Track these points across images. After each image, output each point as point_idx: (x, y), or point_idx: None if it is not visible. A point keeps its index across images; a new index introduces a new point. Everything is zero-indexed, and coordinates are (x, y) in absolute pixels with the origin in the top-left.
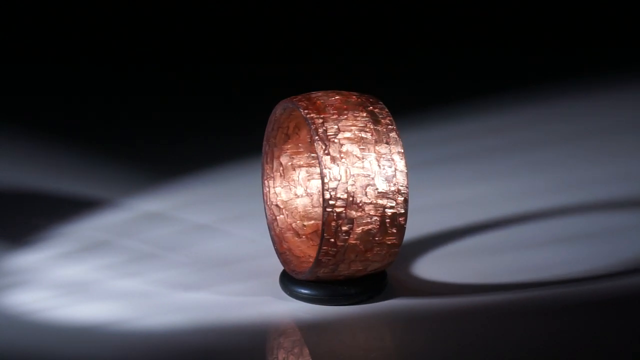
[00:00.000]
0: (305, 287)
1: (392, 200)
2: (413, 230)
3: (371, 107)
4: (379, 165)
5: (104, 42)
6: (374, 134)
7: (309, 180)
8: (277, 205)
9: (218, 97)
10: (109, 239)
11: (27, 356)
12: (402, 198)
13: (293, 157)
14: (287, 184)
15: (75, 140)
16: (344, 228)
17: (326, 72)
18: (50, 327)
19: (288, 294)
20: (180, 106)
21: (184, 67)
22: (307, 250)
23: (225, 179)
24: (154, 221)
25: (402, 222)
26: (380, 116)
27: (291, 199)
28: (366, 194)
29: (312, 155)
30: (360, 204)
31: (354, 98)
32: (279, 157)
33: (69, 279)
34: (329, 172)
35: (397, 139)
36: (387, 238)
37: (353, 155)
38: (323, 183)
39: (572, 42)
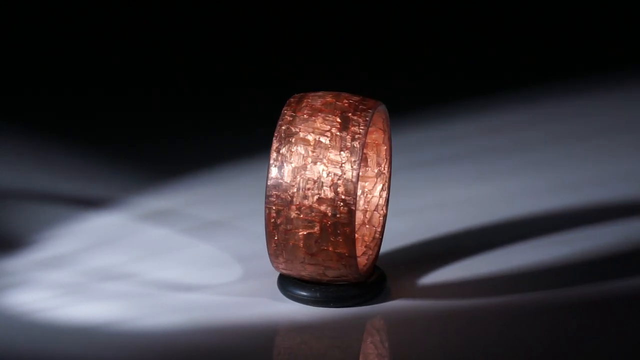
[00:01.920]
0: (299, 288)
1: (334, 209)
2: (412, 230)
3: (350, 114)
4: (326, 172)
5: (104, 41)
6: (334, 139)
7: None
8: None
9: (218, 96)
10: (108, 239)
11: (27, 356)
12: (347, 208)
13: None
14: None
15: (75, 140)
16: (282, 227)
17: (328, 72)
18: (50, 327)
19: (284, 295)
20: (180, 106)
21: (185, 66)
22: None
23: (225, 179)
24: (153, 221)
25: (349, 232)
26: (353, 124)
27: None
28: (306, 197)
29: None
30: (299, 206)
31: (343, 102)
32: None
33: (69, 279)
34: (274, 169)
35: (358, 149)
36: (332, 246)
37: (303, 157)
38: (267, 179)
39: (572, 42)
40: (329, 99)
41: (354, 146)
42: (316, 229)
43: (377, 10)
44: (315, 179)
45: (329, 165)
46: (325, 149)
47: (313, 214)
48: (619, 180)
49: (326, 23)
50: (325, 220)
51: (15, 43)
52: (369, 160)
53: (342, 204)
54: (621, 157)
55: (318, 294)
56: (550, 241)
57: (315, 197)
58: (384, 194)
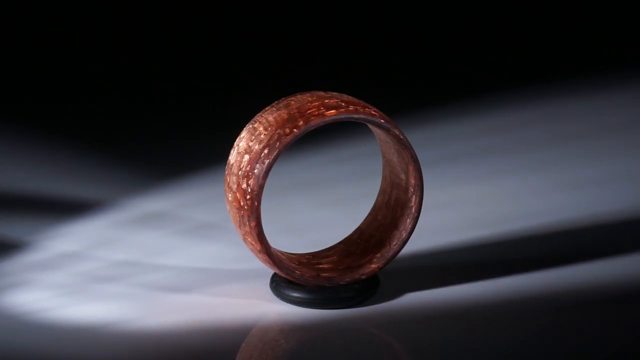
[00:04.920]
0: (292, 289)
1: (244, 200)
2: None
3: (300, 114)
4: (247, 162)
5: (104, 42)
6: (265, 135)
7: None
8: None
9: (219, 96)
10: (108, 239)
11: (27, 356)
12: (251, 202)
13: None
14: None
15: (75, 140)
16: (228, 207)
17: (329, 72)
18: (50, 327)
19: (277, 296)
20: (180, 105)
21: (186, 66)
22: (337, 253)
23: (220, 180)
24: (152, 222)
25: (253, 226)
26: (293, 124)
27: (380, 207)
28: (234, 183)
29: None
30: (230, 190)
31: (316, 103)
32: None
33: (69, 279)
34: (231, 150)
35: (276, 150)
36: (247, 235)
37: (244, 144)
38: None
39: (572, 42)
40: (310, 97)
41: (275, 147)
42: (237, 215)
43: (376, 10)
44: (241, 167)
45: (252, 157)
46: (258, 141)
47: (234, 198)
48: (619, 180)
49: (333, 23)
50: (240, 210)
51: (15, 44)
52: (409, 170)
53: (249, 196)
54: (621, 157)
55: (295, 294)
56: (549, 241)
57: (236, 185)
58: (414, 209)
